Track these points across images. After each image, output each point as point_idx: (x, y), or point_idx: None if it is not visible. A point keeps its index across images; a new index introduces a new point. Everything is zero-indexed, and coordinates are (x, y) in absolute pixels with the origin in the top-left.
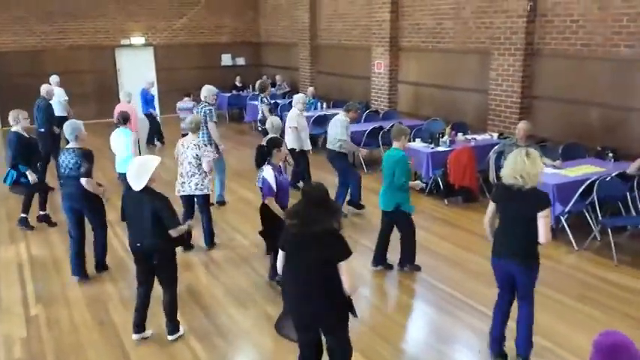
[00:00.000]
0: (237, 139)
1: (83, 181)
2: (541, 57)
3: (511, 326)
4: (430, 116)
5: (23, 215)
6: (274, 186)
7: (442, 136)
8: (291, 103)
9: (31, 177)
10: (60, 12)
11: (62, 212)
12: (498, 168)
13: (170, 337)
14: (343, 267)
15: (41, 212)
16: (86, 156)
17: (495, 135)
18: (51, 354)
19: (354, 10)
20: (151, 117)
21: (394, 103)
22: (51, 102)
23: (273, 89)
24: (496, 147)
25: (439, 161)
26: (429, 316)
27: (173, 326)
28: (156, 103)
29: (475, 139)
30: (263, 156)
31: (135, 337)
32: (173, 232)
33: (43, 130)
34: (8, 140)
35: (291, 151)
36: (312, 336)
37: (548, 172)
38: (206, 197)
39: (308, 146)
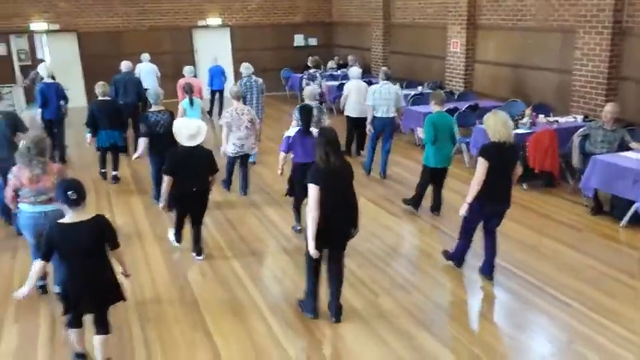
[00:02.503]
0: None
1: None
2: (630, 36)
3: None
4: (508, 97)
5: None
6: (286, 144)
7: (522, 118)
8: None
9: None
10: None
11: (150, 162)
12: (583, 152)
13: (200, 257)
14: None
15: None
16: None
17: (580, 117)
18: (135, 322)
19: None
20: (218, 93)
21: (470, 83)
22: (138, 76)
23: (344, 69)
24: (580, 130)
25: (518, 144)
26: (503, 302)
27: (201, 248)
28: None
29: (557, 121)
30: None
31: (199, 258)
32: (216, 176)
33: (129, 101)
34: (107, 108)
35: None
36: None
37: (636, 158)
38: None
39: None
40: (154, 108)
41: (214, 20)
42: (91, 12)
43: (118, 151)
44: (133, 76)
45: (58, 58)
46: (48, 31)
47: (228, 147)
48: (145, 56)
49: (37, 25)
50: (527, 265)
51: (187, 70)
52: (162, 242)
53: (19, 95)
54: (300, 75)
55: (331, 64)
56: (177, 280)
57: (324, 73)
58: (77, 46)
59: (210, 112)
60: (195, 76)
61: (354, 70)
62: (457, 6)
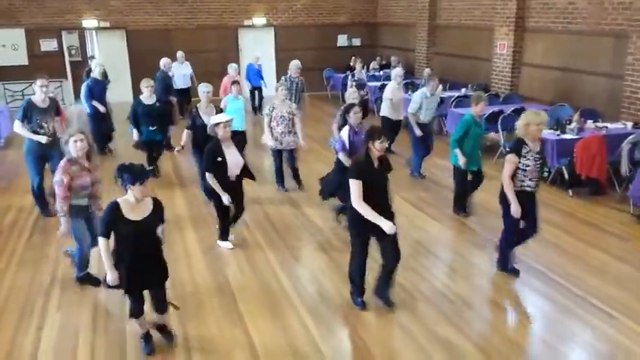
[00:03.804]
0: None
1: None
2: None
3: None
4: (555, 101)
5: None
6: (347, 144)
7: (569, 123)
8: (406, 84)
9: (136, 136)
10: None
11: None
12: (632, 160)
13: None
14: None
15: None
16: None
17: (630, 124)
18: (174, 316)
19: None
20: (256, 90)
21: (516, 86)
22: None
23: (387, 70)
24: (630, 137)
25: (565, 149)
26: (544, 311)
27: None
28: (272, 79)
29: (607, 127)
30: (344, 120)
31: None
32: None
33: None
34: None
35: (384, 119)
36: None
37: None
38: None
39: (399, 116)
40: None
41: (259, 20)
42: (141, 10)
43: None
44: (161, 73)
45: (107, 55)
46: (98, 28)
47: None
48: (180, 54)
49: (88, 22)
50: (569, 273)
51: (231, 68)
52: (202, 237)
53: (69, 89)
54: (343, 75)
55: (373, 64)
56: (215, 275)
57: (354, 74)
58: (125, 43)
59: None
60: (238, 74)
61: (397, 71)
62: (505, 8)
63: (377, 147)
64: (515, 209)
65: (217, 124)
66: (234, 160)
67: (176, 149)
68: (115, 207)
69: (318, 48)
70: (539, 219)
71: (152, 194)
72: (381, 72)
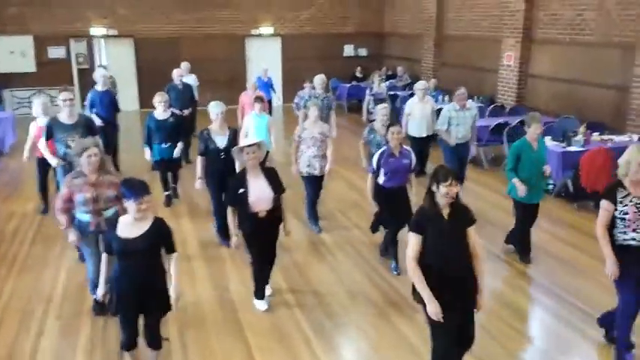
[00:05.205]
0: (353, 130)
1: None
2: None
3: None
4: (562, 113)
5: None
6: (374, 164)
7: (575, 135)
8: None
9: (148, 155)
10: (198, 1)
11: (207, 185)
12: None
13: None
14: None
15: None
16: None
17: (636, 137)
18: (173, 325)
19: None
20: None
21: (522, 97)
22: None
23: (393, 80)
24: None
25: (571, 162)
26: (547, 325)
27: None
28: (278, 88)
29: (612, 139)
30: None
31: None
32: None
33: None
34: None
35: (408, 137)
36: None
37: None
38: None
39: (423, 133)
40: None
41: (267, 29)
42: (149, 19)
43: None
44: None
45: (115, 63)
46: (106, 36)
47: None
48: (185, 65)
49: (97, 30)
50: (577, 290)
51: (251, 84)
52: (210, 260)
53: (75, 97)
54: (349, 84)
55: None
56: (226, 311)
57: (372, 88)
58: (133, 52)
59: None
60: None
61: (416, 85)
62: (513, 19)
63: (440, 192)
64: (610, 268)
65: (241, 149)
66: (257, 192)
67: (196, 184)
68: (112, 223)
69: (324, 58)
70: None
71: (155, 214)
72: (387, 82)
